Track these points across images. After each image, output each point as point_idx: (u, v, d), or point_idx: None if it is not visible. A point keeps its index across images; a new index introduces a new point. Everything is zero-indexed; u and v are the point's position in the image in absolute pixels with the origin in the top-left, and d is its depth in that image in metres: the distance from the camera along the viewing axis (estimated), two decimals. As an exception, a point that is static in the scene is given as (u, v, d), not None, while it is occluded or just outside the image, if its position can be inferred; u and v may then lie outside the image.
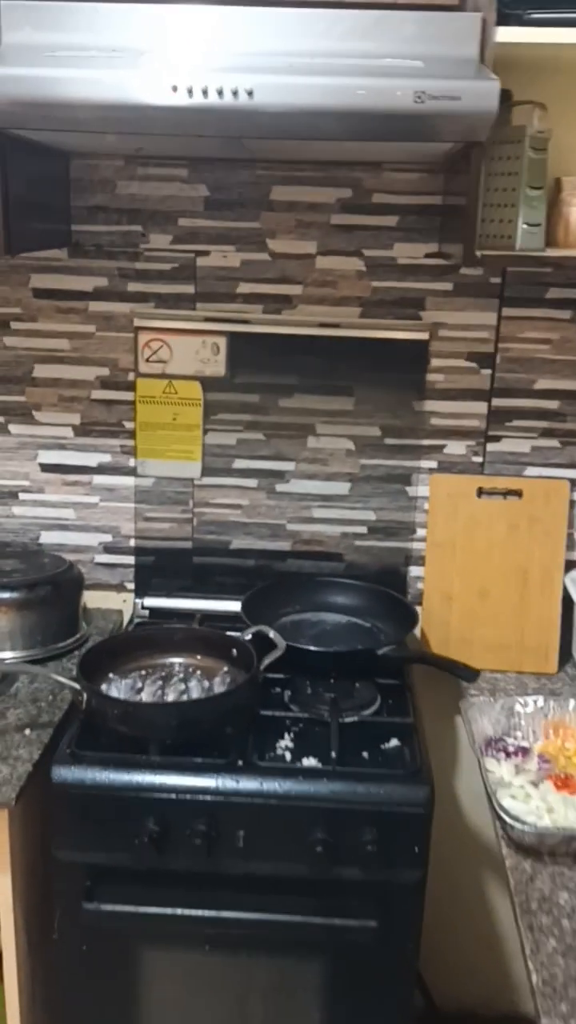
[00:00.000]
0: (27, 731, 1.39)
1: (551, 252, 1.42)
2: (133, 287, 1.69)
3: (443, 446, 1.72)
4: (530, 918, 1.10)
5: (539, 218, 1.39)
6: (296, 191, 1.63)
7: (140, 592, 1.81)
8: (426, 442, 1.72)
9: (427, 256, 1.64)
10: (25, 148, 1.38)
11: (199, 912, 1.29)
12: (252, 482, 1.76)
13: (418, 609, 1.71)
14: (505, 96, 1.25)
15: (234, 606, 1.71)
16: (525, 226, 1.38)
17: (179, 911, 1.29)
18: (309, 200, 1.63)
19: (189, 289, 1.68)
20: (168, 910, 1.29)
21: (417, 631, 1.70)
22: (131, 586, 1.82)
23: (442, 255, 1.63)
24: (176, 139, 1.32)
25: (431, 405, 1.71)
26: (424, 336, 1.66)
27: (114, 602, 1.83)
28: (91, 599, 1.79)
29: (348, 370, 1.69)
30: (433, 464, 1.73)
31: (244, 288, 1.68)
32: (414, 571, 1.77)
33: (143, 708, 1.32)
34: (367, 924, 1.27)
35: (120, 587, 1.83)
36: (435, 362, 1.68)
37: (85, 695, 1.33)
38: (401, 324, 1.67)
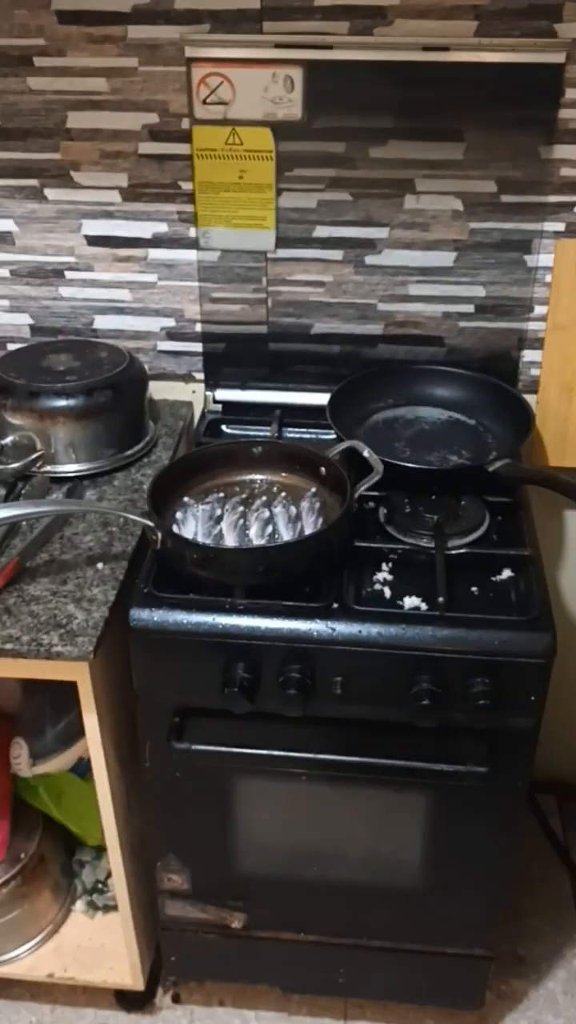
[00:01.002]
0: (99, 565, 1.26)
1: None
2: (181, 3, 1.31)
3: (575, 203, 1.40)
4: None
5: None
6: None
7: (210, 383, 1.60)
8: (553, 199, 1.39)
9: None
10: None
11: (296, 754, 1.22)
12: (336, 253, 1.47)
13: (531, 400, 1.49)
14: None
15: (316, 399, 1.51)
16: None
17: (275, 752, 1.22)
18: None
19: (252, 3, 1.31)
20: (263, 751, 1.22)
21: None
22: (200, 376, 1.61)
23: None
24: None
25: (563, 151, 1.35)
26: (559, 58, 1.28)
27: (182, 393, 1.63)
28: (157, 390, 1.59)
29: (458, 107, 1.34)
30: (560, 227, 1.41)
31: (323, -1, 1.30)
32: (528, 356, 1.51)
33: (225, 554, 1.17)
34: (477, 770, 1.19)
35: (188, 377, 1.62)
36: (571, 93, 1.31)
37: (160, 534, 1.18)
38: (529, 43, 1.28)
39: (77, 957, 1.56)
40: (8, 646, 1.13)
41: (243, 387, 1.58)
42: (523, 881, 1.79)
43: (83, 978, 1.54)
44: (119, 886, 1.43)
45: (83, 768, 1.53)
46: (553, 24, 1.27)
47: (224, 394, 1.59)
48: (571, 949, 1.72)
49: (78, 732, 1.40)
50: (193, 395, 1.63)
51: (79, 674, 1.18)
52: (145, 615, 1.17)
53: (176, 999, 1.63)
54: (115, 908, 1.54)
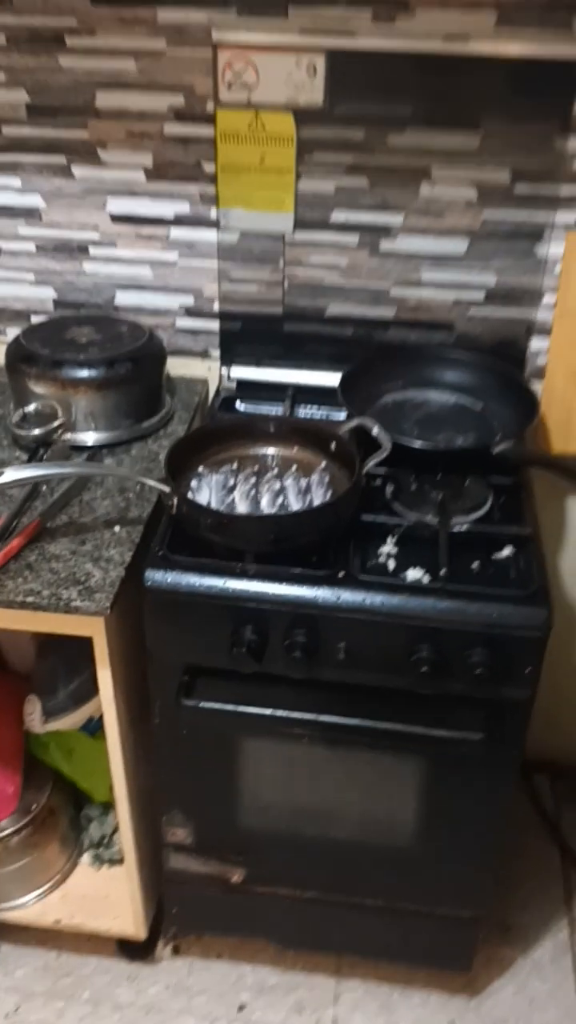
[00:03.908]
0: (116, 528, 1.32)
1: None
2: (210, -12, 1.36)
3: (586, 196, 1.44)
4: None
5: None
6: None
7: (226, 361, 1.65)
8: (566, 189, 1.43)
9: None
10: None
11: (299, 715, 1.27)
12: (352, 238, 1.52)
13: (538, 388, 1.53)
14: None
15: (329, 378, 1.56)
16: None
17: (279, 712, 1.28)
18: None
19: (279, -11, 1.35)
20: (267, 711, 1.28)
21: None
22: (216, 354, 1.66)
23: None
24: None
25: (576, 143, 1.40)
26: (576, 52, 1.33)
27: (198, 370, 1.68)
28: (173, 367, 1.64)
29: (476, 97, 1.38)
30: (571, 219, 1.45)
31: (348, -14, 1.33)
32: (536, 344, 1.56)
33: (238, 521, 1.22)
34: (472, 737, 1.24)
35: (204, 354, 1.67)
36: (586, 87, 1.36)
37: (175, 500, 1.23)
38: (549, 35, 1.32)
39: (83, 906, 1.63)
40: (30, 599, 1.19)
41: (258, 365, 1.63)
42: (515, 854, 1.85)
43: (88, 925, 1.60)
44: (126, 838, 1.49)
45: (93, 727, 1.59)
46: (573, 17, 1.31)
47: (239, 372, 1.63)
48: (557, 920, 1.78)
49: (89, 692, 1.47)
50: (209, 372, 1.68)
51: (95, 629, 1.24)
52: (159, 576, 1.23)
53: (176, 951, 1.70)
54: (120, 862, 1.60)
